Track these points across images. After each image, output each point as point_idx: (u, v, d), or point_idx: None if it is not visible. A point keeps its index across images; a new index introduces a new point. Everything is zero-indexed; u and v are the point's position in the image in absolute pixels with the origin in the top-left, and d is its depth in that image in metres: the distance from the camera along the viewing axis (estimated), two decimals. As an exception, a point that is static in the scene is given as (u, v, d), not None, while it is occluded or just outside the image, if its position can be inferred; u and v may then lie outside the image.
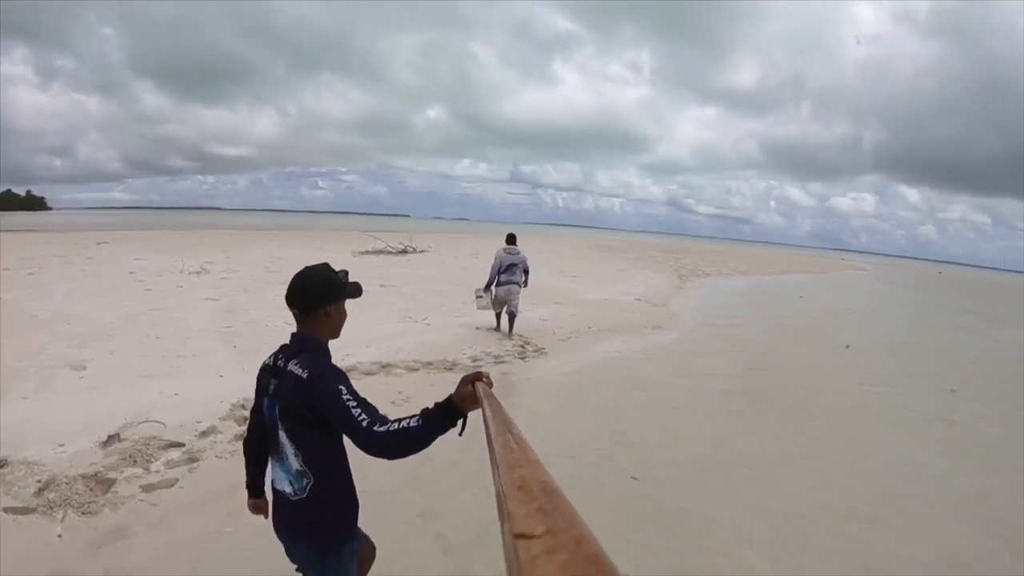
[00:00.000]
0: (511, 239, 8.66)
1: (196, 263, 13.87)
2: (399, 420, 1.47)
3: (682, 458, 4.93)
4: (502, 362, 7.27)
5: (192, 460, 4.35)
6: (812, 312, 15.45)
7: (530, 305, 10.73)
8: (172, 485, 4.02)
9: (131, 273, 12.16)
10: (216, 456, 4.44)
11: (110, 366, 6.12)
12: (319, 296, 1.78)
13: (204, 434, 4.76)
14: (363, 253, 20.60)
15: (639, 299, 13.86)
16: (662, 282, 18.82)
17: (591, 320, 10.42)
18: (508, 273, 8.31)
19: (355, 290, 1.89)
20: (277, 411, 1.76)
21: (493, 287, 8.39)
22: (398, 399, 5.74)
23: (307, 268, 1.82)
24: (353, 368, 6.46)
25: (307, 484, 1.75)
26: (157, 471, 4.16)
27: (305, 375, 1.65)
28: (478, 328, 8.91)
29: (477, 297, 8.57)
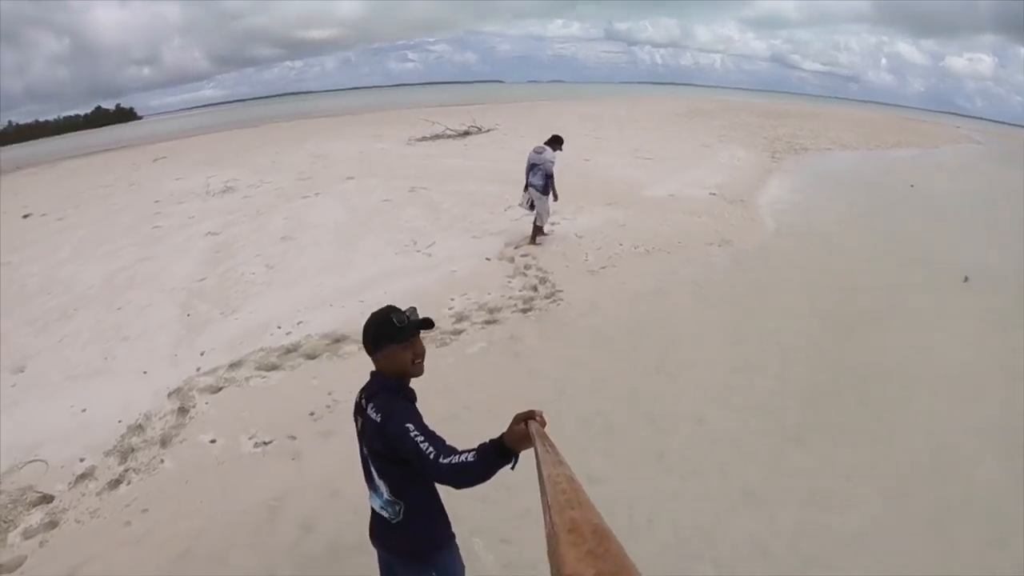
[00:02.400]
0: (553, 141, 7.72)
1: (227, 178, 13.26)
2: (460, 454, 1.55)
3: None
4: (492, 322, 5.70)
5: (51, 525, 3.54)
6: (924, 212, 11.17)
7: (576, 208, 8.92)
8: (14, 570, 3.20)
9: (156, 202, 11.79)
10: (76, 520, 3.57)
11: (47, 364, 5.48)
12: (370, 342, 1.85)
13: (79, 480, 3.93)
14: (419, 140, 19.15)
15: (715, 193, 11.19)
16: (750, 163, 15.30)
17: (643, 233, 8.37)
18: (531, 175, 7.58)
19: (413, 327, 1.85)
20: (366, 449, 1.89)
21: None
22: (328, 402, 4.50)
23: (372, 314, 1.88)
24: (296, 348, 5.32)
25: (399, 510, 1.86)
26: (13, 544, 3.40)
27: (379, 419, 1.75)
28: (488, 259, 7.36)
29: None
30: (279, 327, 5.71)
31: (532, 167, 7.50)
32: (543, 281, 6.60)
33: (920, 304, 6.39)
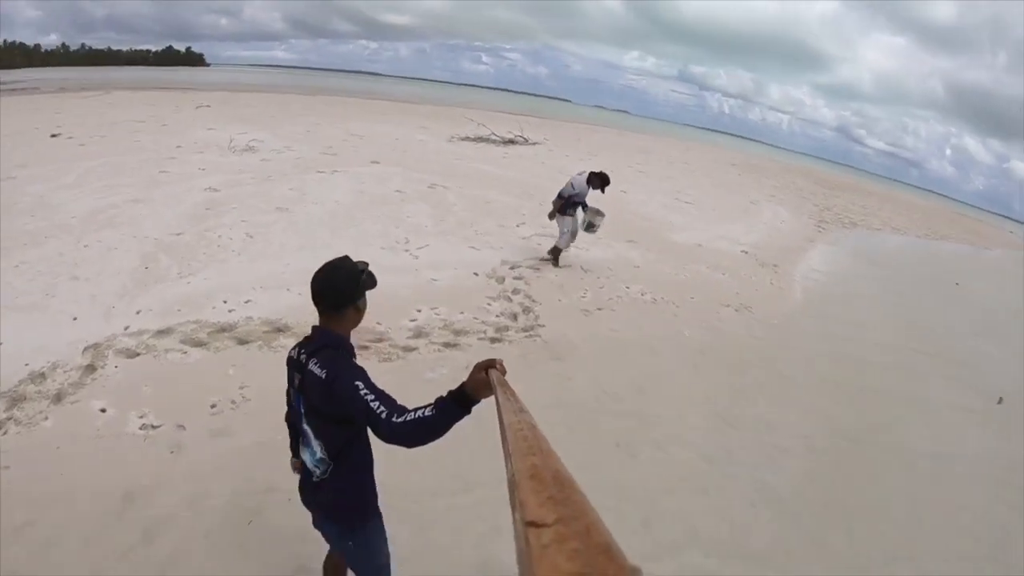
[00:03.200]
0: (597, 177, 7.24)
1: (254, 138, 13.05)
2: (415, 410, 1.50)
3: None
4: (452, 345, 5.04)
5: None
6: (965, 316, 9.86)
7: (592, 238, 8.30)
8: None
9: (177, 147, 11.65)
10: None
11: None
12: (347, 294, 1.77)
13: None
14: (462, 139, 18.83)
15: (747, 251, 10.37)
16: (793, 228, 14.29)
17: (656, 279, 7.66)
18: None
19: (372, 282, 1.85)
20: (302, 406, 1.80)
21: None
22: (236, 397, 3.96)
23: (330, 264, 1.79)
24: (231, 328, 4.81)
25: (327, 469, 1.80)
26: None
27: (324, 375, 1.67)
28: (476, 273, 6.74)
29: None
30: (224, 301, 5.25)
31: (567, 189, 7.23)
32: (526, 311, 5.95)
33: (945, 422, 5.51)
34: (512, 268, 7.06)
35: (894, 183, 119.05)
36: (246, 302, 5.25)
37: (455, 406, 1.46)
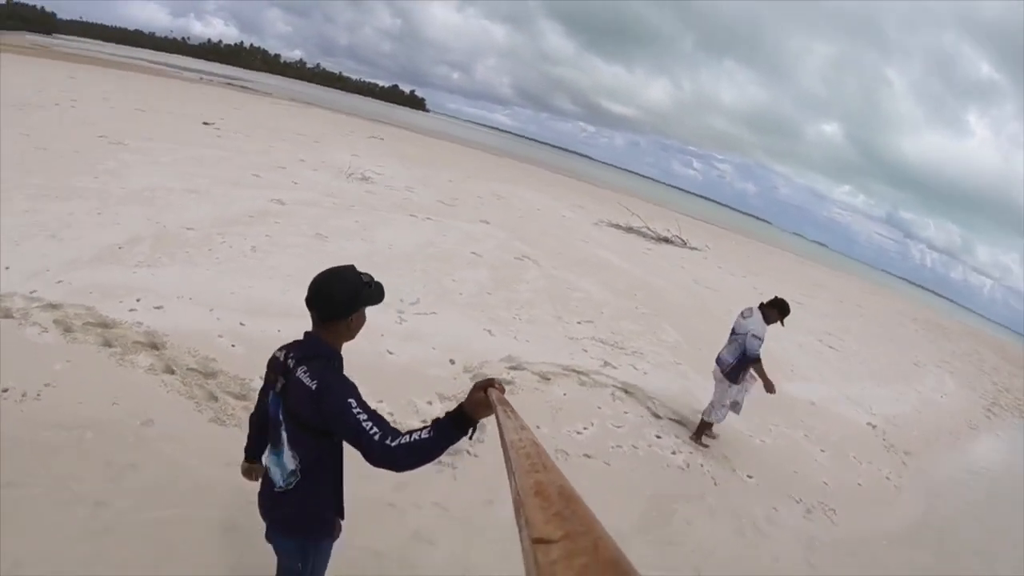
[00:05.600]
0: (772, 306, 5.07)
1: (381, 172, 13.29)
2: (410, 432, 1.46)
3: None
4: None
5: None
6: None
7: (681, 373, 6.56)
8: None
9: (300, 160, 12.21)
10: None
11: None
12: (345, 306, 1.67)
13: None
14: (610, 225, 17.84)
15: (875, 424, 7.48)
16: (954, 405, 10.46)
17: (720, 439, 5.59)
18: (727, 344, 5.20)
19: (378, 296, 1.74)
20: (281, 412, 1.71)
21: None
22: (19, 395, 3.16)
23: (332, 271, 1.68)
24: (113, 326, 4.25)
25: (294, 482, 1.72)
26: None
27: (314, 386, 1.59)
28: (453, 361, 5.36)
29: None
30: (137, 300, 4.89)
31: (731, 334, 5.18)
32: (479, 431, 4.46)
33: None
34: (512, 368, 5.58)
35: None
36: (156, 307, 4.80)
37: (453, 428, 1.41)
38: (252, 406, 3.85)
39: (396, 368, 4.92)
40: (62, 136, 10.01)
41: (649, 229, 18.61)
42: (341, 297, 1.64)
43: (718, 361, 5.16)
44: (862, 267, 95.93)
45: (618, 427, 5.12)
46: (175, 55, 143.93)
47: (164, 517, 2.74)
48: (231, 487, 2.93)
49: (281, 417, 1.70)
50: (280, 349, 1.77)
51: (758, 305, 5.16)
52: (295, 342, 1.74)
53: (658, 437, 5.20)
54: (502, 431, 0.82)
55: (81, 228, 5.90)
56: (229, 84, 48.09)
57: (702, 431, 5.35)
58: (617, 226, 18.12)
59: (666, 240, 18.38)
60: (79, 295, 4.65)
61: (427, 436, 1.41)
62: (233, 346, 4.47)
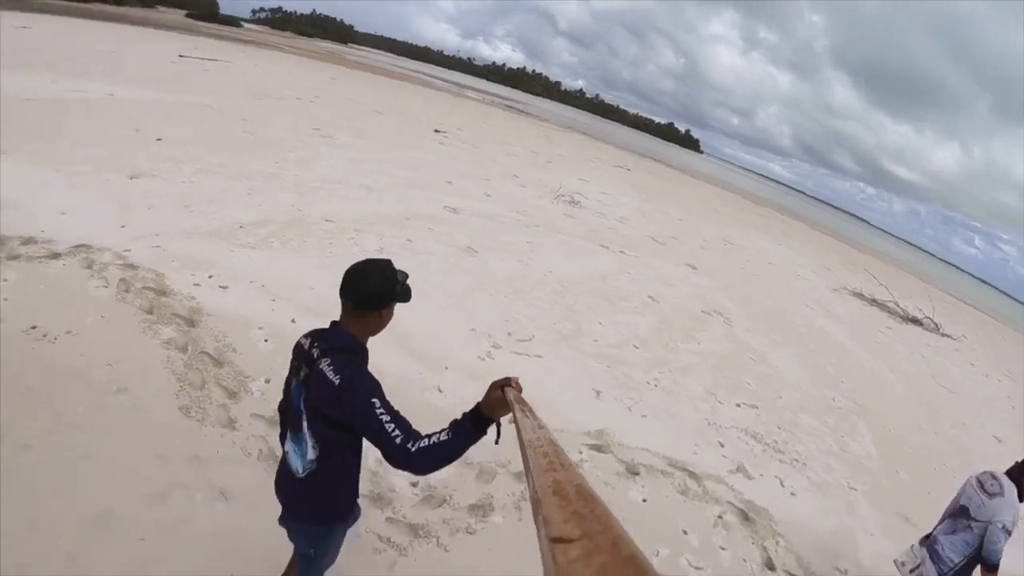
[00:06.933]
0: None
1: (593, 199, 12.79)
2: (429, 436, 1.45)
3: None
4: None
5: None
6: None
7: (848, 503, 4.84)
8: None
9: (514, 176, 12.32)
10: None
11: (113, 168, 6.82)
12: (380, 297, 1.66)
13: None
14: (853, 293, 15.16)
15: None
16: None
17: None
18: (947, 523, 3.18)
19: (406, 295, 1.73)
20: (303, 402, 1.68)
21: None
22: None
23: (369, 261, 1.68)
24: (164, 293, 4.48)
25: (312, 470, 1.71)
26: None
27: (337, 381, 1.56)
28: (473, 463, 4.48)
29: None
30: (210, 276, 5.00)
31: (959, 511, 3.13)
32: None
33: None
34: (592, 446, 4.29)
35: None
36: (221, 287, 4.91)
37: (472, 428, 1.43)
38: (237, 406, 3.26)
39: (435, 410, 4.01)
40: (276, 125, 10.97)
41: (897, 304, 15.27)
42: (378, 288, 1.63)
43: (933, 555, 3.07)
44: None
45: (697, 568, 3.45)
46: (459, 72, 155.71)
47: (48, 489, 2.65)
48: (142, 478, 2.82)
49: (303, 406, 1.68)
50: (306, 336, 1.74)
51: (1011, 470, 3.05)
52: (321, 330, 1.71)
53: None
54: (519, 430, 0.81)
55: (222, 205, 6.32)
56: (508, 107, 49.54)
57: None
58: (860, 296, 15.15)
59: (915, 320, 14.79)
60: (161, 262, 4.90)
61: (446, 438, 1.42)
62: (265, 341, 4.24)
